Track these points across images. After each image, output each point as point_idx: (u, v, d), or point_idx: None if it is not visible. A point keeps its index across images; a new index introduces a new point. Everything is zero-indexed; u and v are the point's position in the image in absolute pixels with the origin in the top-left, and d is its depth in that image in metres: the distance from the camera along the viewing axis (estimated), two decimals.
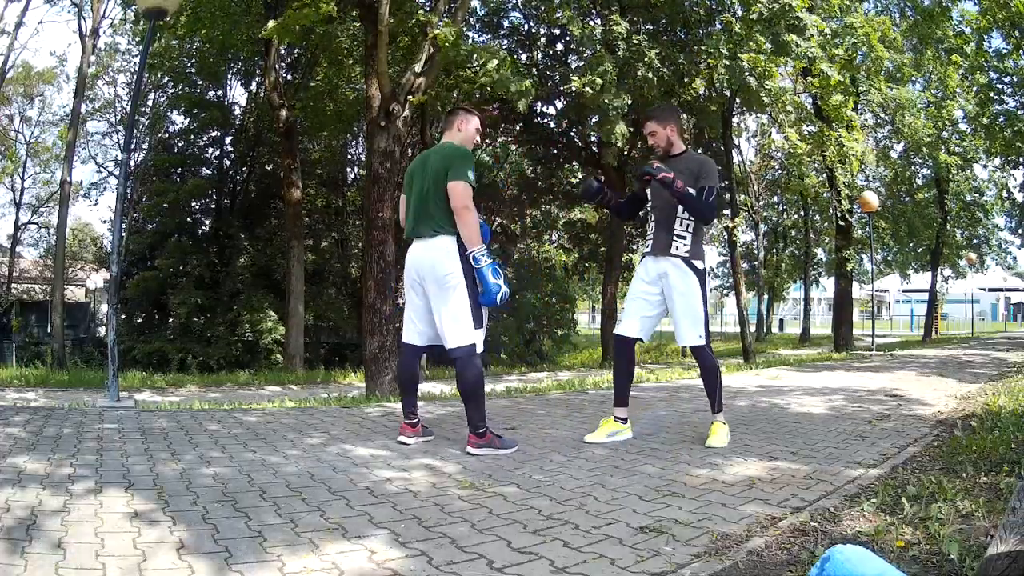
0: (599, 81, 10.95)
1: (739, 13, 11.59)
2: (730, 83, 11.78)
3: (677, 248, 3.66)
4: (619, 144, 11.69)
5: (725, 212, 17.18)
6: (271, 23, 7.48)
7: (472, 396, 3.41)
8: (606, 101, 10.89)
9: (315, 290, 16.93)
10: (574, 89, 11.65)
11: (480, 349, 3.42)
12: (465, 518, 2.37)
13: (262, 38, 10.52)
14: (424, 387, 8.57)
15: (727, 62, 10.87)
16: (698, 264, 3.68)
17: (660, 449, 3.62)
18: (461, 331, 3.35)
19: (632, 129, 12.22)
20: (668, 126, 3.75)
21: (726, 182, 14.40)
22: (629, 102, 11.16)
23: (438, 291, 3.36)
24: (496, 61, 8.11)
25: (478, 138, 3.67)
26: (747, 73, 10.87)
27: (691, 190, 3.57)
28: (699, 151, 18.09)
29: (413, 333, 3.59)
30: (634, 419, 4.68)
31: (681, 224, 3.67)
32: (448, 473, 3.01)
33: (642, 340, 3.87)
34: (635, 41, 11.94)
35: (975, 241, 23.87)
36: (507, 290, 3.40)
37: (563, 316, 20.70)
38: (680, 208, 3.62)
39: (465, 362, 3.38)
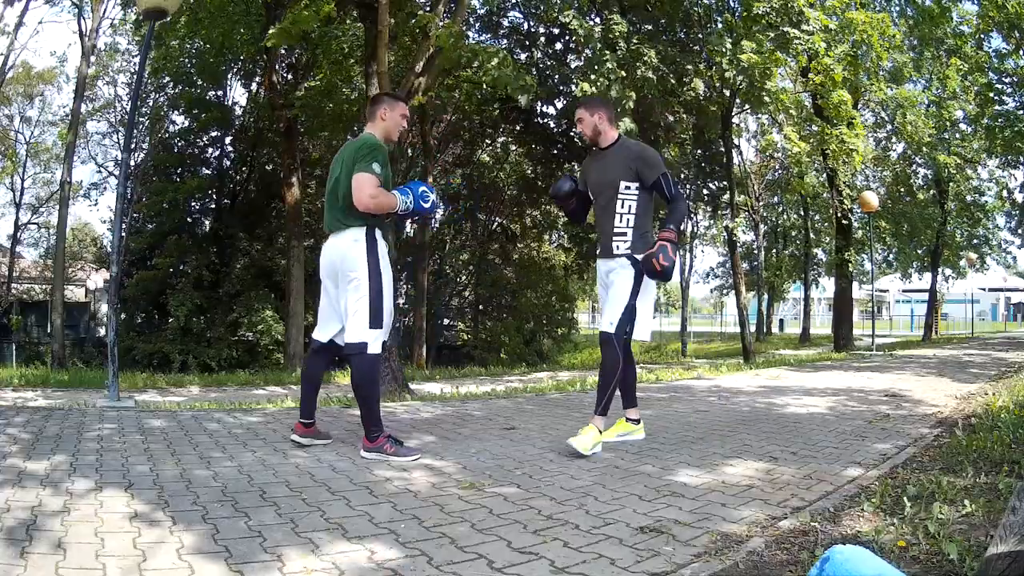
0: (606, 81, 10.95)
1: (740, 12, 11.60)
2: (733, 83, 11.79)
3: (618, 247, 3.52)
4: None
5: (724, 212, 17.19)
6: (272, 30, 7.48)
7: (360, 396, 3.30)
8: (613, 95, 10.87)
9: (315, 290, 16.88)
10: (577, 93, 11.65)
11: (375, 350, 3.25)
12: (465, 518, 2.37)
13: (262, 43, 10.51)
14: (425, 387, 8.58)
15: (730, 57, 10.87)
16: (639, 257, 3.48)
17: (660, 449, 3.62)
18: (356, 328, 3.24)
19: (644, 128, 12.12)
20: (596, 113, 3.56)
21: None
22: (634, 97, 11.12)
23: (343, 285, 3.30)
24: (497, 60, 8.11)
25: (404, 124, 3.52)
26: (747, 72, 10.88)
27: (623, 197, 3.45)
28: (699, 151, 18.16)
29: (321, 331, 3.48)
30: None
31: (621, 220, 3.51)
32: (448, 473, 3.01)
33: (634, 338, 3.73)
34: (635, 41, 11.95)
35: (975, 241, 23.87)
36: (435, 200, 3.50)
37: (563, 316, 20.70)
38: (618, 204, 3.48)
39: (357, 360, 3.26)
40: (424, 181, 3.46)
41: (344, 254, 3.26)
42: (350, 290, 3.25)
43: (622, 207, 3.48)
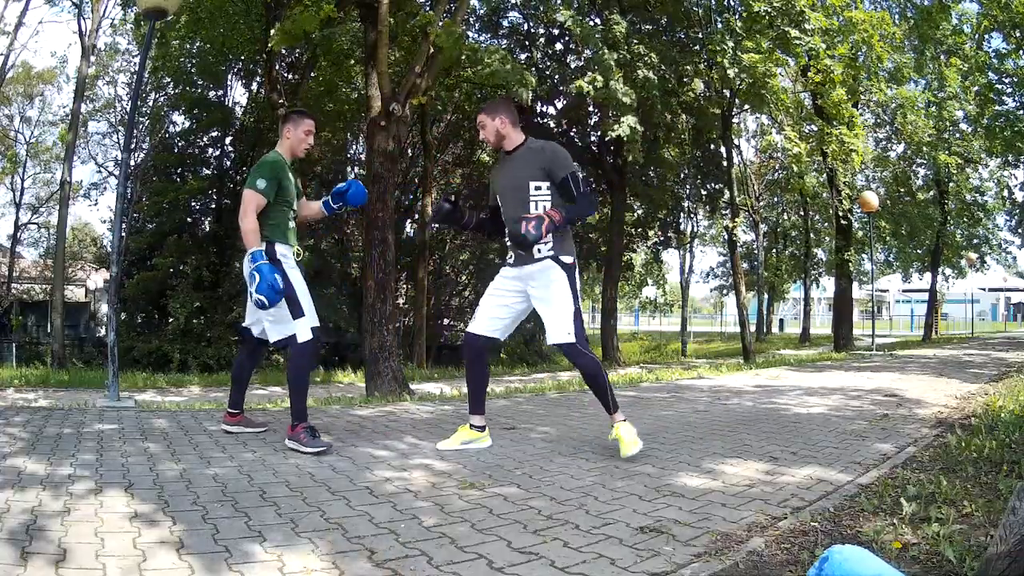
0: (600, 79, 10.94)
1: (740, 12, 11.61)
2: (733, 83, 11.79)
3: (539, 250, 3.33)
4: (636, 138, 11.38)
5: (724, 212, 17.19)
6: (274, 32, 7.48)
7: (291, 385, 3.49)
8: (616, 89, 10.85)
9: (315, 290, 16.90)
10: (574, 91, 11.64)
11: (304, 338, 3.40)
12: (465, 518, 2.37)
13: (264, 40, 10.51)
14: (426, 387, 8.58)
15: (731, 56, 10.88)
16: (565, 259, 3.36)
17: (660, 449, 3.62)
18: (277, 326, 3.44)
19: (642, 128, 12.05)
20: (497, 117, 3.41)
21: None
22: (634, 95, 11.10)
23: (252, 293, 3.42)
24: (497, 56, 8.11)
25: (311, 140, 3.68)
26: (749, 71, 10.89)
27: (535, 198, 3.32)
28: (698, 152, 18.16)
29: (249, 320, 3.72)
30: (634, 419, 4.69)
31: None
32: (448, 473, 3.01)
33: (496, 340, 3.62)
34: (635, 41, 11.95)
35: (975, 241, 23.87)
36: (262, 299, 3.27)
37: None
38: (531, 207, 3.32)
39: (292, 351, 3.45)
40: (268, 268, 3.37)
41: (245, 267, 3.40)
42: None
43: (536, 208, 3.32)
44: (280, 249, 3.49)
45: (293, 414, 3.41)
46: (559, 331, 3.35)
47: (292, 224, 3.62)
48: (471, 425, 3.62)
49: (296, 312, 3.40)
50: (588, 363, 3.37)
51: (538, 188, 3.35)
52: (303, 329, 3.40)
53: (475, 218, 3.70)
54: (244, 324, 3.75)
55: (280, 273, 3.38)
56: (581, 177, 3.35)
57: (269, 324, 3.47)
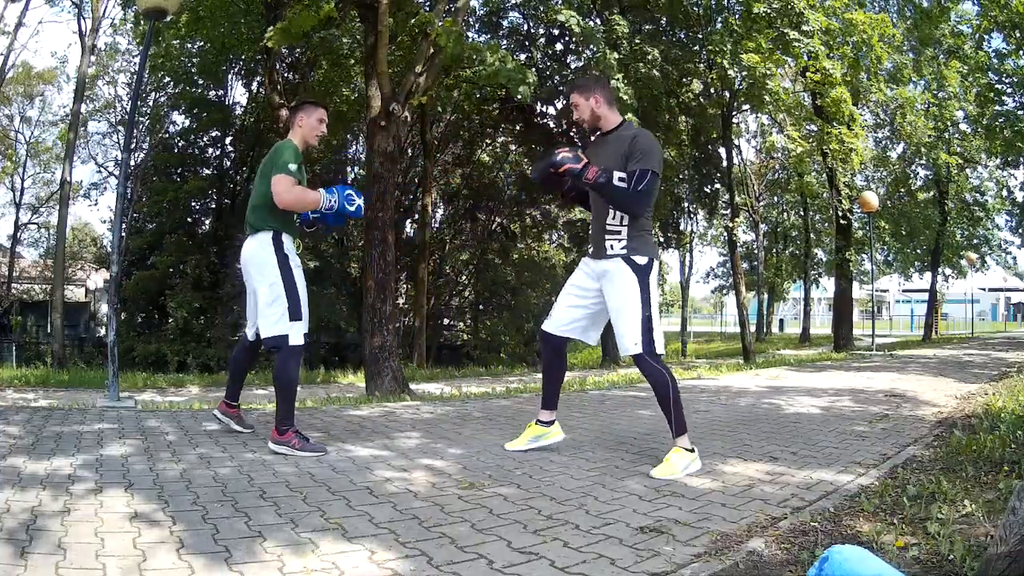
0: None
1: (738, 12, 11.61)
2: (733, 83, 11.79)
3: (612, 247, 3.15)
4: None
5: (724, 212, 17.18)
6: (271, 30, 7.47)
7: (280, 389, 3.39)
8: (616, 88, 10.84)
9: (315, 290, 16.94)
10: None
11: (296, 341, 3.33)
12: (465, 518, 2.37)
13: (262, 43, 10.51)
14: (425, 387, 8.58)
15: (731, 56, 10.88)
16: (639, 260, 3.13)
17: (660, 449, 3.62)
18: (275, 321, 3.34)
19: (642, 127, 12.05)
20: (592, 96, 3.20)
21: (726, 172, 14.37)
22: (632, 93, 11.10)
23: (257, 283, 3.40)
24: (497, 55, 8.11)
25: (323, 128, 3.63)
26: (749, 71, 10.90)
27: (616, 177, 3.03)
28: (698, 152, 18.15)
29: (250, 327, 3.60)
30: (634, 419, 4.69)
31: (615, 217, 3.15)
32: (448, 473, 3.01)
33: (570, 339, 3.41)
34: (636, 41, 11.96)
35: (975, 241, 23.88)
36: (362, 204, 3.50)
37: None
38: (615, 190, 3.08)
39: (280, 353, 3.36)
40: (352, 186, 3.47)
41: (253, 254, 3.41)
42: (265, 287, 3.36)
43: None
44: (287, 242, 3.44)
45: (280, 418, 3.33)
46: (625, 340, 3.13)
47: (296, 218, 3.59)
48: (538, 421, 3.54)
49: (295, 314, 3.35)
50: (662, 378, 3.14)
51: (621, 180, 3.06)
52: (297, 333, 3.35)
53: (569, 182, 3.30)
54: (245, 331, 3.70)
55: (281, 264, 3.36)
56: (648, 179, 3.04)
57: (265, 321, 3.37)
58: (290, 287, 3.34)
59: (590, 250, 3.32)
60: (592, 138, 3.45)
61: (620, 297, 3.14)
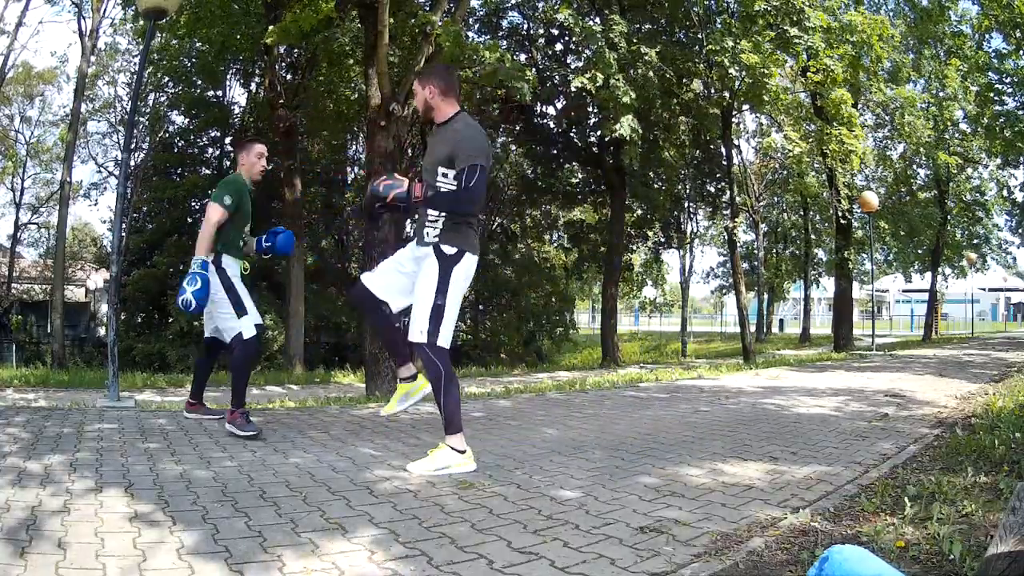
0: (600, 77, 10.93)
1: (737, 12, 11.61)
2: (732, 82, 11.78)
3: (428, 234, 3.10)
4: (636, 137, 11.29)
5: (725, 212, 17.18)
6: (271, 28, 7.48)
7: (234, 373, 3.87)
8: (615, 86, 10.83)
9: (315, 290, 16.95)
10: (574, 88, 11.63)
11: (250, 332, 3.76)
12: (465, 518, 2.37)
13: (262, 41, 10.51)
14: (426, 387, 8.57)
15: (731, 55, 10.88)
16: (447, 249, 3.05)
17: (660, 449, 3.62)
18: (229, 325, 3.79)
19: (642, 127, 11.97)
20: (427, 86, 3.12)
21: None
22: (633, 95, 11.09)
23: (211, 302, 3.79)
24: (496, 55, 8.11)
25: (263, 163, 3.99)
26: (749, 71, 10.89)
27: (441, 179, 3.03)
28: (698, 152, 18.14)
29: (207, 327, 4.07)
30: (634, 419, 4.69)
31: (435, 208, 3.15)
32: (448, 473, 3.01)
33: (386, 303, 3.30)
34: (635, 41, 11.96)
35: (975, 241, 23.88)
36: (190, 299, 3.66)
37: (562, 316, 20.71)
38: (441, 182, 3.07)
39: (239, 346, 3.79)
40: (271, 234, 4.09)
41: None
42: (216, 303, 3.78)
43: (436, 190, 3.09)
44: (227, 261, 3.84)
45: (233, 401, 3.72)
46: (413, 326, 3.07)
47: (242, 244, 3.97)
48: (400, 379, 3.50)
49: (240, 311, 3.76)
50: (432, 372, 3.06)
51: (445, 175, 3.04)
52: (247, 326, 3.75)
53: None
54: (206, 334, 4.11)
55: (222, 279, 3.78)
56: (477, 175, 2.96)
57: (221, 325, 3.83)
58: (230, 291, 3.78)
59: (415, 236, 3.30)
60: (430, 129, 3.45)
61: (421, 283, 3.10)
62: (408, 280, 3.23)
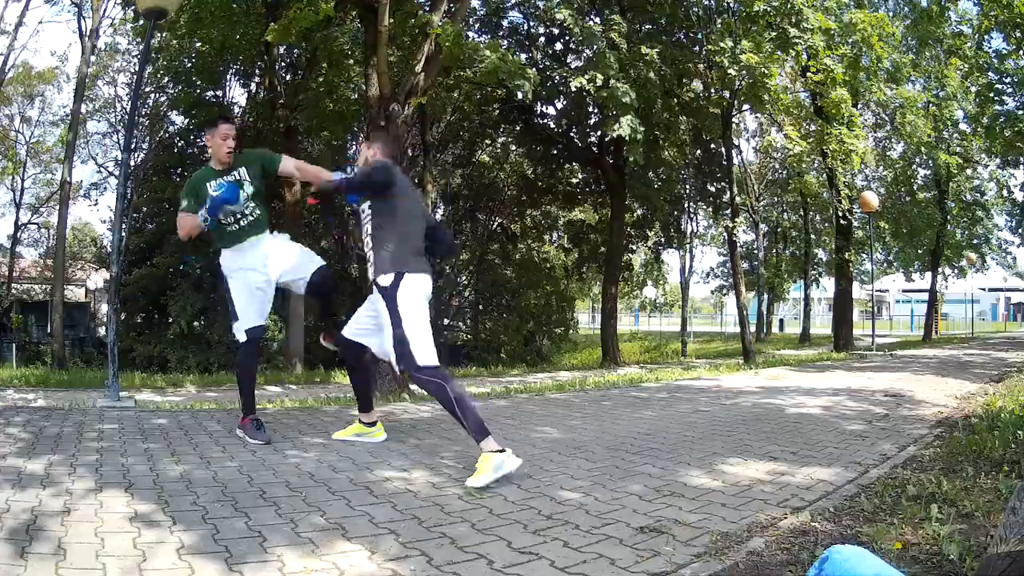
0: (600, 77, 10.92)
1: (737, 12, 11.61)
2: (732, 82, 11.77)
3: (370, 273, 3.30)
4: (638, 136, 11.23)
5: (725, 212, 17.17)
6: (271, 27, 7.47)
7: (239, 380, 3.89)
8: (615, 86, 10.80)
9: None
10: (574, 88, 11.63)
11: (242, 338, 3.72)
12: (465, 518, 2.37)
13: (262, 40, 10.51)
14: None
15: (731, 55, 10.87)
16: (382, 282, 3.18)
17: (660, 449, 3.62)
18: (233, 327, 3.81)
19: (642, 127, 11.90)
20: (373, 149, 3.50)
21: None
22: (633, 95, 11.07)
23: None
24: (497, 54, 8.10)
25: (230, 143, 3.71)
26: (749, 71, 10.89)
27: (366, 217, 3.33)
28: (698, 151, 18.13)
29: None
30: (635, 419, 4.69)
31: (367, 244, 3.34)
32: (448, 473, 3.01)
33: (362, 346, 3.49)
34: (635, 41, 11.95)
35: (975, 241, 23.88)
36: (227, 185, 3.62)
37: (562, 316, 20.70)
38: (364, 221, 3.33)
39: (238, 351, 3.79)
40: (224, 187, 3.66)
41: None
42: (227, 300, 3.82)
43: (367, 224, 3.32)
44: (226, 257, 3.77)
45: (241, 408, 3.77)
46: (393, 360, 3.17)
47: (235, 226, 3.73)
48: (359, 420, 3.73)
49: (232, 316, 3.75)
50: (432, 390, 3.10)
51: (364, 211, 3.37)
52: (240, 332, 3.73)
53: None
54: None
55: (221, 281, 3.78)
56: (375, 168, 3.31)
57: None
58: (226, 294, 3.78)
59: None
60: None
61: (383, 321, 3.23)
62: (375, 321, 3.38)
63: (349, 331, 3.55)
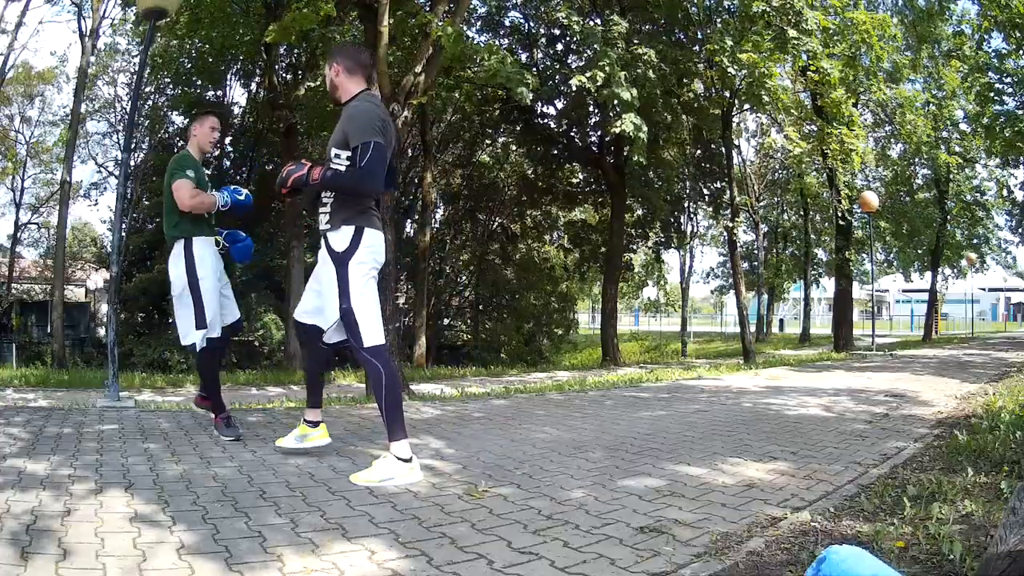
0: (600, 75, 10.92)
1: (736, 12, 11.61)
2: (732, 82, 11.77)
3: (321, 221, 3.00)
4: (640, 136, 11.19)
5: (725, 212, 17.17)
6: (271, 28, 7.47)
7: (203, 381, 3.89)
8: (616, 82, 10.80)
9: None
10: (574, 87, 11.62)
11: (201, 345, 3.65)
12: (465, 518, 2.37)
13: (262, 40, 10.51)
14: (425, 387, 8.57)
15: (731, 55, 10.87)
16: (337, 244, 2.90)
17: (660, 449, 3.62)
18: (185, 329, 3.71)
19: (645, 128, 11.88)
20: (332, 65, 3.06)
21: None
22: (634, 92, 11.06)
23: (173, 292, 3.73)
24: (497, 57, 8.10)
25: (215, 135, 3.89)
26: (749, 71, 10.89)
27: (334, 159, 2.92)
28: (699, 151, 18.13)
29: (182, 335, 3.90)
30: (635, 419, 4.69)
31: (326, 192, 3.01)
32: (448, 473, 3.01)
33: (320, 328, 3.11)
34: (635, 41, 11.95)
35: (975, 241, 23.89)
36: (248, 194, 3.86)
37: (562, 316, 20.71)
38: (335, 163, 2.94)
39: (197, 356, 3.75)
40: (236, 184, 3.80)
41: (170, 264, 3.72)
42: (177, 296, 3.70)
43: (328, 169, 2.95)
44: (198, 246, 3.67)
45: (211, 405, 3.78)
46: (330, 335, 3.02)
47: (207, 214, 3.80)
48: (305, 421, 3.30)
49: (199, 323, 3.64)
50: (371, 371, 2.92)
51: (337, 155, 2.94)
52: (201, 339, 3.66)
53: None
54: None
55: (188, 271, 3.62)
56: (371, 151, 2.82)
57: (179, 325, 3.74)
58: (196, 299, 3.62)
59: None
60: None
61: (325, 288, 2.98)
62: (319, 288, 3.10)
63: (303, 312, 3.18)
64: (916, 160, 19.92)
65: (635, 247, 21.64)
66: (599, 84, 10.97)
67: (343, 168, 2.90)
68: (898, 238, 21.32)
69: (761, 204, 28.43)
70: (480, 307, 20.98)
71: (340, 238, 2.91)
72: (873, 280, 19.17)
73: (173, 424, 4.06)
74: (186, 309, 3.65)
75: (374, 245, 2.96)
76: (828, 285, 29.13)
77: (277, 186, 3.12)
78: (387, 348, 3.00)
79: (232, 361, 15.77)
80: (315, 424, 3.27)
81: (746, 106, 14.27)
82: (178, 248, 3.65)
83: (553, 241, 22.58)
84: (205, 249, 3.69)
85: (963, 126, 18.63)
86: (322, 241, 2.99)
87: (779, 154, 24.77)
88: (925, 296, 26.55)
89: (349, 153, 2.87)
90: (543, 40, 16.61)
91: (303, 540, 2.10)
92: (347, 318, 2.90)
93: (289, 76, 15.94)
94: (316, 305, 3.10)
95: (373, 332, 2.90)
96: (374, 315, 2.92)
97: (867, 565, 1.45)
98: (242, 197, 3.87)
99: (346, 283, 2.89)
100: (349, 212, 2.92)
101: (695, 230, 26.69)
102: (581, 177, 19.78)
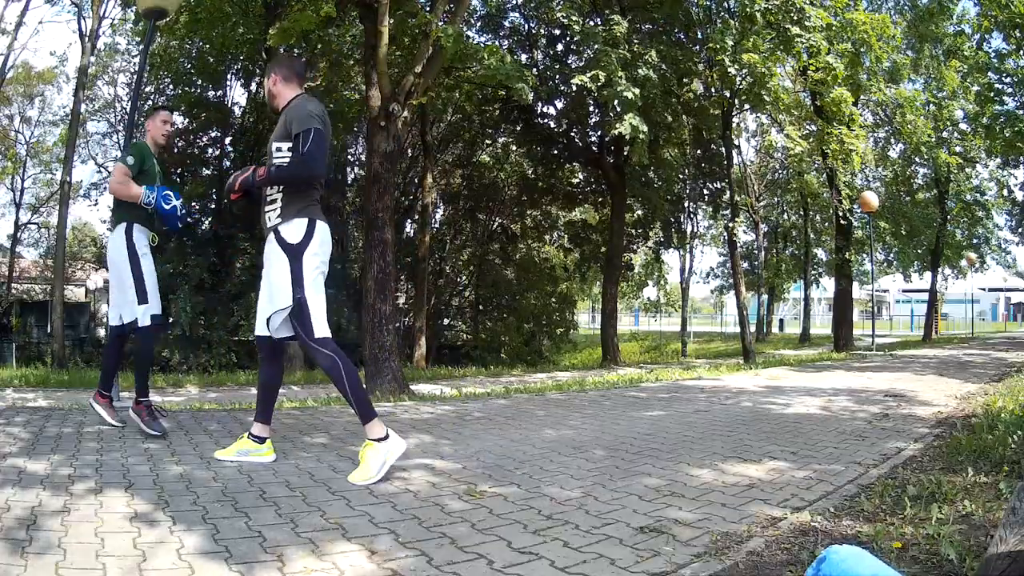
0: (602, 75, 10.92)
1: (736, 12, 11.62)
2: (733, 82, 11.77)
3: (270, 218, 3.02)
4: (640, 136, 11.18)
5: (725, 212, 17.18)
6: (272, 31, 7.49)
7: (135, 364, 3.94)
8: (616, 81, 10.81)
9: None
10: (575, 86, 11.63)
11: (145, 322, 3.70)
12: (465, 518, 2.37)
13: (262, 41, 10.52)
14: (425, 387, 8.57)
15: (732, 55, 10.88)
16: (289, 237, 2.93)
17: (660, 449, 3.62)
18: (128, 307, 3.76)
19: (645, 127, 11.86)
20: (270, 76, 3.18)
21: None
22: (637, 91, 11.06)
23: (111, 275, 3.82)
24: (496, 56, 8.11)
25: (168, 128, 4.04)
26: (750, 69, 10.90)
27: (276, 153, 2.99)
28: (699, 151, 18.13)
29: (112, 314, 3.95)
30: (635, 419, 4.69)
31: (272, 187, 3.04)
32: (448, 473, 3.01)
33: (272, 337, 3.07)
34: (635, 41, 11.96)
35: (975, 241, 23.89)
36: (179, 205, 3.82)
37: (562, 316, 20.71)
38: (276, 157, 3.00)
39: (138, 335, 3.77)
40: (172, 190, 3.91)
41: (110, 248, 3.82)
42: (117, 276, 3.77)
43: (271, 166, 3.01)
44: (137, 233, 3.76)
45: (135, 390, 3.77)
46: (259, 319, 3.05)
47: (149, 209, 3.84)
48: (249, 434, 3.17)
49: (141, 298, 3.72)
50: (324, 363, 2.90)
51: (279, 149, 3.01)
52: (144, 315, 3.72)
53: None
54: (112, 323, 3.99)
55: (130, 253, 3.69)
56: (312, 137, 2.89)
57: (125, 307, 3.76)
58: (137, 276, 3.72)
59: None
60: None
61: (274, 278, 2.96)
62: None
63: (261, 328, 3.11)
64: (916, 160, 19.92)
65: (635, 247, 21.64)
66: (601, 84, 10.97)
67: (287, 160, 2.98)
68: (898, 238, 21.32)
69: (761, 204, 28.43)
70: (480, 307, 20.97)
71: (293, 230, 2.96)
72: (873, 280, 19.20)
73: (173, 424, 4.07)
74: (128, 291, 3.72)
75: (325, 239, 3.03)
76: (828, 285, 29.16)
77: (226, 192, 3.19)
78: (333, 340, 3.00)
79: (232, 361, 15.81)
80: (262, 440, 3.15)
81: (746, 106, 14.28)
82: (119, 231, 3.76)
83: (553, 241, 22.57)
84: (143, 239, 3.82)
85: (963, 126, 18.63)
86: (271, 236, 3.01)
87: (779, 154, 24.79)
88: (925, 296, 26.56)
89: (291, 144, 2.95)
90: (543, 40, 16.60)
91: (303, 540, 2.10)
92: (300, 308, 2.92)
93: None
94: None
95: (321, 324, 2.95)
96: (322, 308, 2.98)
97: (867, 565, 1.45)
98: (168, 206, 3.80)
99: (300, 274, 2.93)
100: (301, 204, 2.99)
101: (695, 230, 26.70)
102: (581, 177, 19.78)
